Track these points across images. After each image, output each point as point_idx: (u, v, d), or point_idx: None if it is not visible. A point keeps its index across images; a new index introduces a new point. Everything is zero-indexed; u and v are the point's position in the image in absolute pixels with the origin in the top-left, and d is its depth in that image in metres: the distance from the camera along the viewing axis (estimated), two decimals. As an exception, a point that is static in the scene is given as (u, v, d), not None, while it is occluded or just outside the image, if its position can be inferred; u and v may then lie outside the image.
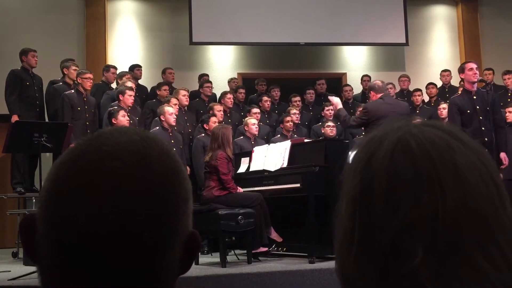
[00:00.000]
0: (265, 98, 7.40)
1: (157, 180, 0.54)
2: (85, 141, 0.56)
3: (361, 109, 5.41)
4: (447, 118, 5.89)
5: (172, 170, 0.56)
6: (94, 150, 0.55)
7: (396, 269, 0.51)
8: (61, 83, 6.50)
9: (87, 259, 0.52)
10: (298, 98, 7.59)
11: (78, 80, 6.03)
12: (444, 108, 6.68)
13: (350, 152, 0.59)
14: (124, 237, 0.52)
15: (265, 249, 4.82)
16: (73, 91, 6.03)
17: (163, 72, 7.67)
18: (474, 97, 5.18)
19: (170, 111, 5.75)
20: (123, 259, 0.52)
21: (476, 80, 5.18)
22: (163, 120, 5.76)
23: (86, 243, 0.51)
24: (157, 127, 5.80)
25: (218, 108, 6.41)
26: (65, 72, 6.56)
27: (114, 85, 7.02)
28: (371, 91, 5.21)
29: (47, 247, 0.54)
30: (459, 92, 5.52)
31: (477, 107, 5.13)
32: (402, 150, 0.53)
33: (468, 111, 5.14)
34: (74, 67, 6.48)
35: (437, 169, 0.52)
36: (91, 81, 6.14)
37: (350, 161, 0.57)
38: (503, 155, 5.14)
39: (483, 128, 5.07)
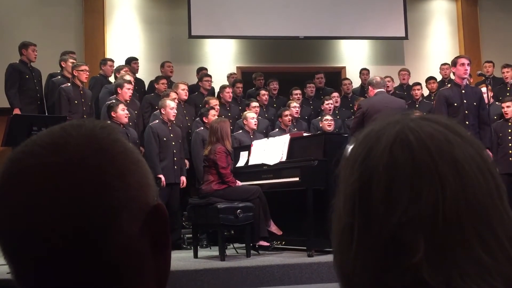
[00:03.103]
0: (262, 92, 7.39)
1: (73, 165, 0.53)
2: (15, 148, 0.57)
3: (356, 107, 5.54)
4: (434, 111, 5.90)
5: (94, 151, 0.55)
6: (13, 154, 0.55)
7: (397, 264, 0.51)
8: (59, 77, 6.49)
9: (32, 264, 0.53)
10: (298, 91, 7.58)
11: (74, 73, 6.01)
12: (442, 102, 6.68)
13: (347, 147, 0.59)
14: (52, 233, 0.51)
15: (267, 244, 4.83)
16: (69, 84, 6.02)
17: (162, 65, 7.66)
18: (463, 91, 5.22)
19: (171, 105, 5.74)
20: (63, 254, 0.52)
21: (465, 76, 5.23)
22: (163, 114, 5.76)
23: (20, 251, 0.53)
24: (157, 121, 5.80)
25: (213, 102, 6.40)
26: (63, 65, 6.54)
27: (112, 79, 7.01)
28: (370, 86, 5.28)
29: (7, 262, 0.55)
30: (449, 85, 5.56)
31: (465, 101, 5.18)
32: (401, 145, 0.53)
33: (455, 104, 5.19)
34: (71, 60, 6.45)
35: (436, 163, 0.52)
36: (87, 73, 6.11)
37: (347, 156, 0.57)
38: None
39: (467, 122, 5.11)
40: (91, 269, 0.53)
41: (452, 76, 8.26)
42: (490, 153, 5.22)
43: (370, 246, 0.52)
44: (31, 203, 0.52)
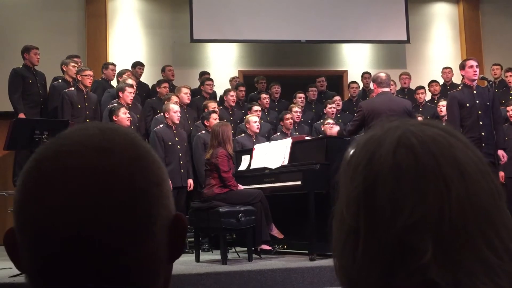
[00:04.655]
0: (263, 95, 7.40)
1: (120, 170, 0.54)
2: (46, 144, 0.56)
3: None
4: (446, 113, 5.86)
5: (137, 157, 0.56)
6: (53, 152, 0.54)
7: (404, 266, 0.52)
8: (60, 81, 6.50)
9: (65, 263, 0.52)
10: (302, 95, 7.59)
11: (78, 78, 6.03)
12: (443, 105, 6.67)
13: (347, 151, 0.59)
14: (95, 233, 0.52)
15: (269, 248, 4.82)
16: (73, 88, 6.04)
17: (163, 70, 7.68)
18: (475, 92, 5.21)
19: (175, 109, 5.76)
20: (101, 254, 0.52)
21: (476, 78, 5.21)
22: (167, 117, 5.77)
23: (59, 246, 0.52)
24: (161, 125, 5.81)
25: (212, 106, 6.40)
26: (64, 69, 6.55)
27: (114, 83, 7.02)
28: (374, 83, 5.02)
29: (26, 256, 0.54)
30: (459, 87, 5.54)
31: (477, 101, 5.15)
32: (404, 148, 0.54)
33: (468, 105, 5.16)
34: (72, 64, 6.47)
35: (440, 165, 0.53)
36: (91, 78, 6.13)
37: (348, 162, 0.58)
38: (501, 152, 5.17)
39: (481, 123, 5.09)
40: (118, 272, 0.53)
41: (454, 80, 8.30)
42: (505, 154, 5.19)
43: (377, 249, 0.53)
44: (73, 203, 0.52)
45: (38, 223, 0.52)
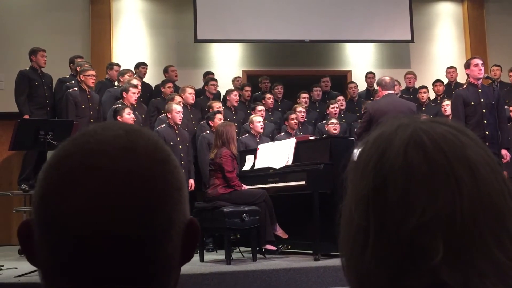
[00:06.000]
0: (268, 95, 7.39)
1: (145, 172, 0.54)
2: (69, 141, 0.56)
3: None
4: (451, 112, 5.87)
5: (160, 161, 0.56)
6: (77, 149, 0.54)
7: (415, 266, 0.51)
8: (73, 82, 6.50)
9: (85, 261, 0.52)
10: (306, 95, 7.58)
11: (81, 78, 6.05)
12: (447, 105, 6.66)
13: (355, 150, 0.59)
14: (117, 234, 0.52)
15: (274, 248, 4.82)
16: (76, 88, 6.06)
17: (165, 70, 7.68)
18: (480, 90, 5.20)
19: (177, 109, 5.76)
20: (120, 255, 0.52)
21: (481, 76, 5.21)
22: (169, 118, 5.77)
23: (80, 245, 0.52)
24: (163, 125, 5.81)
25: (217, 106, 6.40)
26: (78, 70, 6.55)
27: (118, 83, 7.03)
28: (379, 87, 5.17)
29: (45, 251, 0.54)
30: (465, 85, 5.54)
31: (482, 100, 5.15)
32: (416, 146, 0.54)
33: (472, 103, 5.16)
34: (86, 66, 6.48)
35: (451, 164, 0.52)
36: (94, 78, 6.15)
37: (357, 159, 0.57)
38: (504, 151, 5.17)
39: (485, 121, 5.09)
40: (135, 274, 0.53)
41: (458, 79, 8.27)
42: (508, 153, 5.19)
43: (387, 249, 0.52)
44: (95, 203, 0.52)
45: (59, 220, 0.52)
